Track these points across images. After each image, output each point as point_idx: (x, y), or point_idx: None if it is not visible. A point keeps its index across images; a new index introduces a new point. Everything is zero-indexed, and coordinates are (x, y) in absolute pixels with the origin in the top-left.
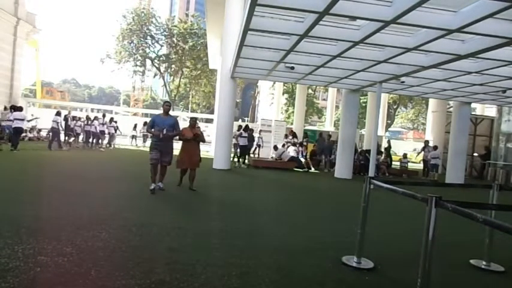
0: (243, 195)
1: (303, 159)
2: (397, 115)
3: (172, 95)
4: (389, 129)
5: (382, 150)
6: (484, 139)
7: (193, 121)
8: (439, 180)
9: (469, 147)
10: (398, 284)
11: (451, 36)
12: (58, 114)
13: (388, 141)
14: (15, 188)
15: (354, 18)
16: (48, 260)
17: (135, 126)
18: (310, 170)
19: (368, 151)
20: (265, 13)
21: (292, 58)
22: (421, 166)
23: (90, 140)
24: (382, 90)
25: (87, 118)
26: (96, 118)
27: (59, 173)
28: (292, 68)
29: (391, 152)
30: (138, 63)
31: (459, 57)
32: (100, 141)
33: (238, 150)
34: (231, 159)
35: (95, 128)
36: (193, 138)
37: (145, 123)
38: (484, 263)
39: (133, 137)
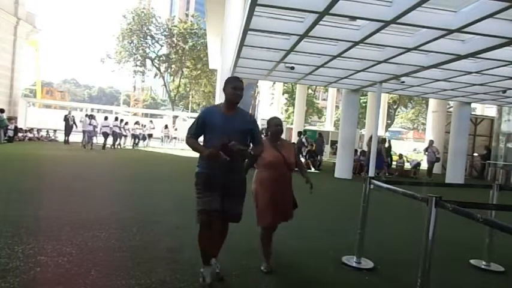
0: None
1: (303, 159)
2: (397, 115)
3: (172, 95)
4: (389, 129)
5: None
6: (484, 139)
7: (277, 127)
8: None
9: (469, 147)
10: (398, 284)
11: (451, 36)
12: (107, 119)
13: (389, 141)
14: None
15: (353, 18)
16: (48, 260)
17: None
18: (310, 170)
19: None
20: (265, 13)
21: (292, 58)
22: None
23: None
24: (382, 90)
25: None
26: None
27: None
28: (292, 68)
29: (391, 152)
30: (138, 63)
31: (459, 57)
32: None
33: None
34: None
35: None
36: (288, 167)
37: (137, 123)
38: (484, 263)
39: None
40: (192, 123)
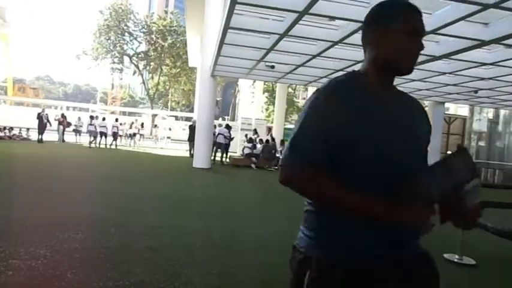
0: (223, 193)
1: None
2: None
3: (151, 93)
4: None
5: None
6: (457, 137)
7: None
8: None
9: (442, 146)
10: None
11: (426, 38)
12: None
13: None
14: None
15: (333, 18)
16: (21, 263)
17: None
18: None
19: None
20: (246, 11)
21: (273, 57)
22: None
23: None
24: None
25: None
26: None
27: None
28: (273, 67)
29: None
30: (116, 60)
31: (434, 58)
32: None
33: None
34: (212, 157)
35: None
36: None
37: (132, 124)
38: (456, 256)
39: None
40: (299, 130)
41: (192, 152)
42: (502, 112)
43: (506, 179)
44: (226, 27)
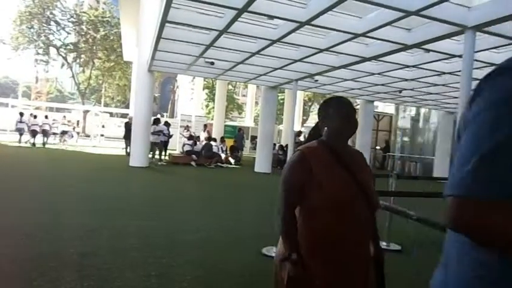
0: (163, 192)
1: (223, 155)
2: (312, 111)
3: (82, 88)
4: (304, 124)
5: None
6: (385, 134)
7: (349, 119)
8: None
9: (372, 141)
10: None
11: (357, 40)
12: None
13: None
14: None
15: (271, 17)
16: None
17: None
18: (230, 165)
19: (286, 145)
20: (184, 5)
21: (212, 53)
22: None
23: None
24: (298, 88)
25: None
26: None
27: None
28: (212, 63)
29: None
30: (41, 51)
31: (364, 60)
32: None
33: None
34: (150, 155)
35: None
36: (370, 207)
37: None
38: (384, 243)
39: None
40: (493, 146)
41: (128, 150)
42: (423, 110)
43: (425, 171)
44: (164, 21)
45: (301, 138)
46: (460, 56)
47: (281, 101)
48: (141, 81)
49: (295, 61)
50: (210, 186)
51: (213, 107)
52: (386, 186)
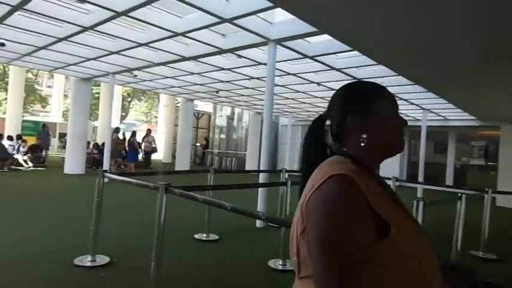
0: None
1: (19, 156)
2: (131, 108)
3: None
4: (123, 121)
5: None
6: (204, 131)
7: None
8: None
9: (193, 138)
10: (134, 272)
11: (177, 39)
12: None
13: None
14: None
15: (82, 0)
16: None
17: None
18: (31, 168)
19: (103, 144)
20: None
21: (3, 32)
22: None
23: None
24: (115, 82)
25: None
26: None
27: None
28: (3, 44)
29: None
30: None
31: (184, 59)
32: None
33: None
34: None
35: None
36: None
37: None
38: (204, 235)
39: None
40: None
41: None
42: (237, 110)
43: (239, 165)
44: None
45: (120, 135)
46: (265, 64)
47: (96, 95)
48: None
49: (112, 53)
50: (4, 194)
51: (6, 98)
52: (206, 181)
